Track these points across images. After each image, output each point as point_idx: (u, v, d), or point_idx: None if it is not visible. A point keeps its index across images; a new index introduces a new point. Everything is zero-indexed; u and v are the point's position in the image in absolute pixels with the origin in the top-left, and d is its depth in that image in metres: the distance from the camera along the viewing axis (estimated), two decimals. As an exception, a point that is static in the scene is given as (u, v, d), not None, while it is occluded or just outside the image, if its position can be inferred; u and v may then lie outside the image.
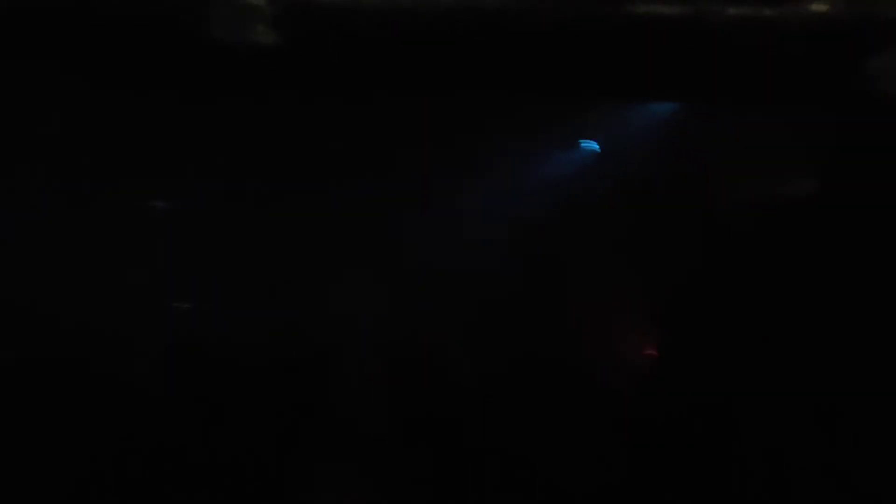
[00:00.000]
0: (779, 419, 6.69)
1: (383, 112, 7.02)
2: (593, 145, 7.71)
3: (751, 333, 6.97)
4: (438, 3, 5.82)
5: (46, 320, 6.98)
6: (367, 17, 5.68)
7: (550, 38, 5.81)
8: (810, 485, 6.39)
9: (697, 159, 7.43)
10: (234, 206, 7.48)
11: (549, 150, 7.83)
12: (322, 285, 7.51)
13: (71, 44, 5.81)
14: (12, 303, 6.93)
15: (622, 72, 6.14)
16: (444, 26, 5.79)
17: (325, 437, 6.85)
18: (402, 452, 6.90)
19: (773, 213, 7.33)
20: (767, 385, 6.78)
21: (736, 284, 7.16)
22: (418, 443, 6.96)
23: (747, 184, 7.44)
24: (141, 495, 6.50)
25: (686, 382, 6.98)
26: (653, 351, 7.42)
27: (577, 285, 7.62)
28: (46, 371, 6.82)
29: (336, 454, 6.79)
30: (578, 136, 7.73)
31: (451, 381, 7.26)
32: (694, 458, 6.60)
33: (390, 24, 5.71)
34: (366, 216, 7.43)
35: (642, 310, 7.55)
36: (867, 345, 6.68)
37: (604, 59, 5.98)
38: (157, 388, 6.99)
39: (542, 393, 7.07)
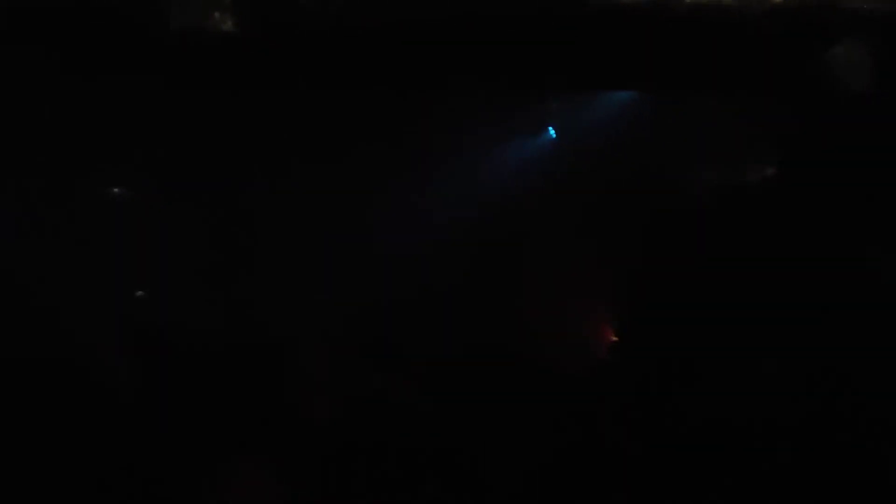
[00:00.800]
0: (744, 399, 6.76)
1: (342, 102, 7.01)
2: (552, 133, 7.73)
3: (711, 317, 7.03)
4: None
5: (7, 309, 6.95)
6: (325, 5, 5.67)
7: (512, 27, 5.82)
8: (777, 467, 6.46)
9: (657, 147, 7.47)
10: (194, 194, 7.45)
11: (509, 138, 7.83)
12: (283, 271, 7.50)
13: (30, 34, 5.79)
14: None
15: (583, 60, 6.17)
16: (405, 16, 5.80)
17: (280, 424, 6.86)
18: (358, 441, 6.90)
19: (733, 199, 7.39)
20: (729, 365, 6.85)
21: (696, 269, 7.21)
22: (376, 431, 6.97)
23: (707, 171, 7.49)
24: (98, 479, 6.50)
25: (649, 366, 7.03)
26: (614, 336, 7.47)
27: (539, 272, 7.65)
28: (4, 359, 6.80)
29: (288, 442, 6.80)
30: (539, 125, 7.74)
31: (412, 369, 7.26)
32: (661, 442, 6.65)
33: (349, 14, 5.71)
34: (327, 205, 7.42)
35: (604, 295, 7.59)
36: (832, 328, 6.76)
37: (565, 47, 6.01)
38: (115, 374, 6.97)
39: (502, 380, 7.08)
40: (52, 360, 6.82)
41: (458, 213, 7.54)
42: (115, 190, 7.50)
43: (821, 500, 6.22)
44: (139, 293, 7.31)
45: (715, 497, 6.35)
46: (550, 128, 7.77)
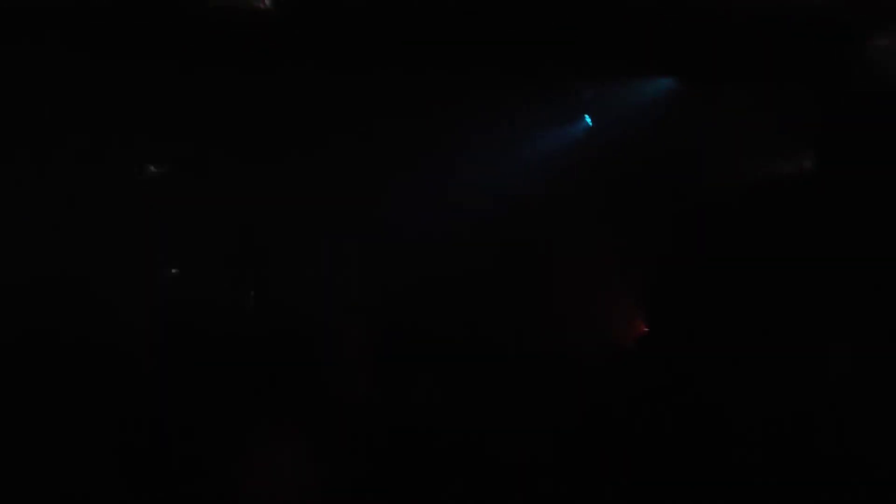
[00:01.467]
0: (770, 394, 6.73)
1: (376, 84, 7.00)
2: (587, 121, 7.70)
3: (741, 310, 6.99)
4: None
5: (35, 285, 7.00)
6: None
7: (538, 14, 5.84)
8: (799, 462, 6.42)
9: (690, 137, 7.42)
10: (225, 172, 7.45)
11: (543, 126, 7.81)
12: (306, 256, 7.50)
13: (68, 14, 5.83)
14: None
15: (612, 49, 6.17)
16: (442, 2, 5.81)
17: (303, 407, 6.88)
18: (381, 435, 6.91)
19: (764, 190, 7.34)
20: (757, 360, 6.82)
21: (726, 261, 7.18)
22: (398, 425, 6.96)
23: (739, 161, 7.45)
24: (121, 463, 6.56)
25: (679, 359, 6.99)
26: (645, 328, 7.43)
27: (571, 263, 7.61)
28: (31, 335, 6.85)
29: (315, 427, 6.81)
30: (573, 113, 7.71)
31: (438, 363, 7.25)
32: (687, 435, 6.62)
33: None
34: (357, 189, 7.41)
35: (635, 287, 7.55)
36: (858, 321, 6.71)
37: (593, 35, 6.01)
38: (140, 353, 7.01)
39: (533, 375, 7.07)
40: (87, 342, 6.89)
41: (491, 204, 7.52)
42: (147, 172, 7.54)
43: (855, 495, 6.19)
44: (173, 272, 7.35)
45: (740, 489, 6.32)
46: (587, 116, 7.75)
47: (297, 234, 7.42)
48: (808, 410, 6.51)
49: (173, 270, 7.24)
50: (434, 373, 7.07)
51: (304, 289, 7.38)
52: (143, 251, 7.15)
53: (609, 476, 6.43)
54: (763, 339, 6.78)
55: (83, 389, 6.60)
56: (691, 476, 6.34)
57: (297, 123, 7.23)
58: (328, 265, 7.44)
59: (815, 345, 6.71)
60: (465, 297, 7.41)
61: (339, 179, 7.35)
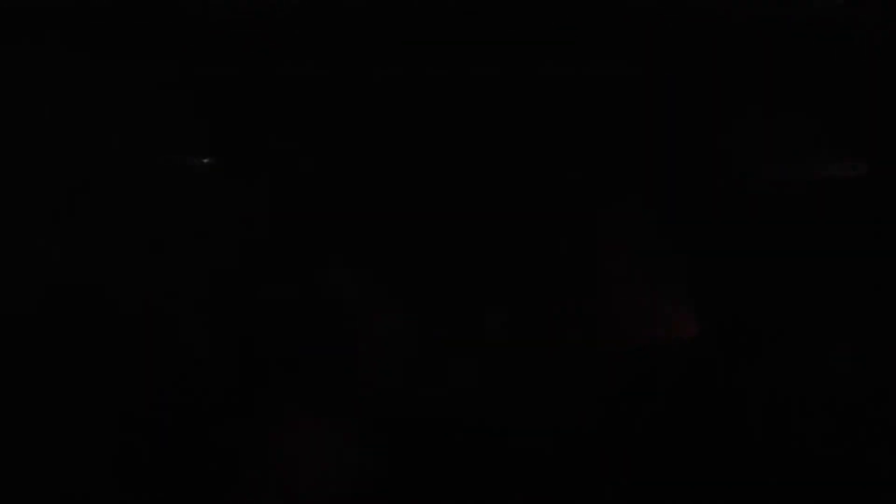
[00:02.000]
0: (815, 401, 6.71)
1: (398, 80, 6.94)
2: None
3: (787, 317, 6.96)
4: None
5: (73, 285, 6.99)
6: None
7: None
8: (838, 468, 6.40)
9: (731, 135, 7.39)
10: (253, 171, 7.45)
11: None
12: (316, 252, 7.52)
13: (68, 14, 5.83)
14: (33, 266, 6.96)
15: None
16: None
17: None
18: (409, 428, 6.90)
19: (811, 193, 7.31)
20: (804, 369, 6.79)
21: (771, 267, 7.15)
22: (426, 434, 6.95)
23: (785, 162, 7.42)
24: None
25: (722, 367, 6.96)
26: (687, 334, 7.36)
27: (615, 255, 7.56)
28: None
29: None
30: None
31: (470, 367, 7.22)
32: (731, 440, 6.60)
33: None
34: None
35: (676, 291, 7.52)
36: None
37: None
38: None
39: (566, 380, 7.05)
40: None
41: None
42: (148, 173, 7.56)
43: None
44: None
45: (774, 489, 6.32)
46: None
47: (304, 233, 7.45)
48: (848, 411, 6.53)
49: (184, 265, 7.27)
50: (470, 364, 7.09)
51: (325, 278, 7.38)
52: (152, 250, 7.18)
53: (634, 475, 6.45)
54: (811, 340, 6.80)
55: (92, 381, 6.63)
56: (728, 476, 6.36)
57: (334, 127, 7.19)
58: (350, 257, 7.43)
59: (865, 344, 6.72)
60: (502, 286, 7.38)
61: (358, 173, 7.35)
